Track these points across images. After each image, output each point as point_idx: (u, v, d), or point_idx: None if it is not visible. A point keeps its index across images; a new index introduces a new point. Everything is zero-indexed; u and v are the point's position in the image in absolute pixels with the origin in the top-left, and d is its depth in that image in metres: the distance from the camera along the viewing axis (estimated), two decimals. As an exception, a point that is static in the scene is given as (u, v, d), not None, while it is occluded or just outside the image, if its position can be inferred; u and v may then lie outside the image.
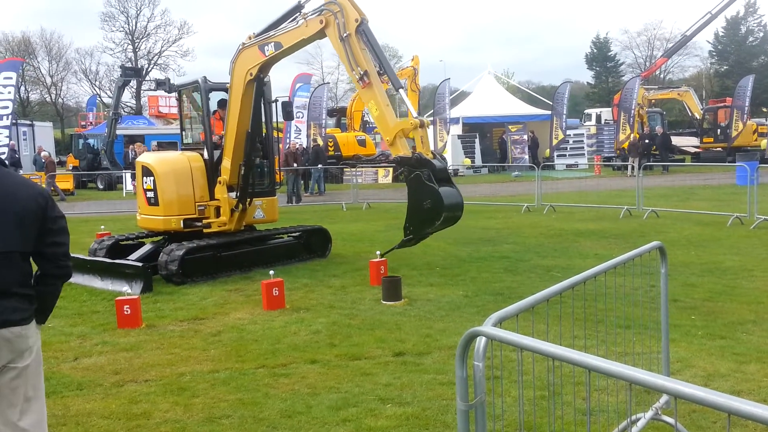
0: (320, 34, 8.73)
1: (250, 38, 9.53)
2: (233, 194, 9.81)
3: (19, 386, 3.14)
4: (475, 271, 9.46)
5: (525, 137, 33.37)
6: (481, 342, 2.53)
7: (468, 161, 31.93)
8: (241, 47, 9.59)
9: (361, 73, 8.26)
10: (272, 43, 9.21)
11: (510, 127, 33.57)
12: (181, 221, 9.77)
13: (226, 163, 9.71)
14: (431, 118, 33.70)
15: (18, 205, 3.10)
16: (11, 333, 3.10)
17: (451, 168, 26.51)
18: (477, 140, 33.62)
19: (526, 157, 32.66)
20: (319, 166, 23.88)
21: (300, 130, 31.10)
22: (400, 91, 8.50)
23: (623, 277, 4.02)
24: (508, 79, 56.26)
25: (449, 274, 9.31)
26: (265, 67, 9.55)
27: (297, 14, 9.04)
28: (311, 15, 8.74)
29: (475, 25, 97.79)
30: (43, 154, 27.06)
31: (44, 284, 3.26)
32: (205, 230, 9.86)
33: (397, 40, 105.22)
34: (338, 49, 8.47)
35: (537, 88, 62.59)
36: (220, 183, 9.77)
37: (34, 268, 3.24)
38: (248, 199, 9.88)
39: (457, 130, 33.77)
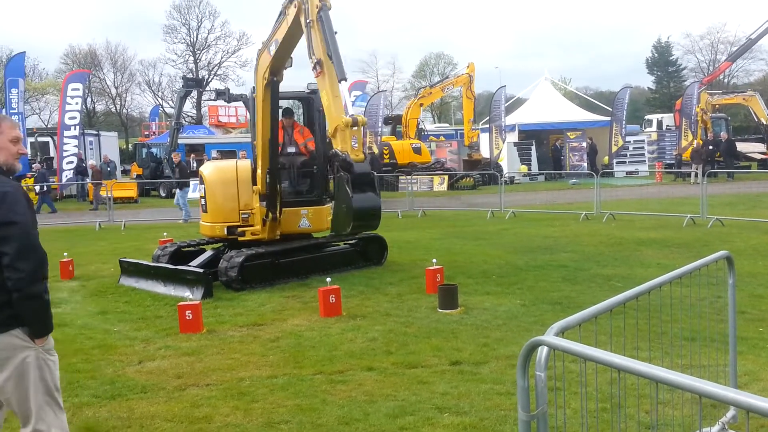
0: (297, 22, 8.74)
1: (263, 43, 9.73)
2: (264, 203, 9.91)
3: (9, 400, 3.19)
4: (533, 280, 9.35)
5: (583, 144, 32.82)
6: (543, 352, 2.50)
7: (524, 168, 31.58)
8: (258, 53, 9.80)
9: (315, 61, 8.35)
10: (273, 42, 9.35)
11: (568, 133, 33.08)
12: (225, 228, 10.00)
13: (259, 172, 9.90)
14: (487, 126, 33.54)
15: None
16: None
17: (506, 176, 26.30)
18: (533, 147, 33.23)
19: (584, 164, 32.10)
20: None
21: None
22: (342, 83, 8.43)
23: (688, 288, 3.91)
24: (565, 85, 55.41)
25: (506, 283, 9.21)
26: (275, 69, 9.58)
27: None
28: (288, 3, 8.89)
29: (530, 32, 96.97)
30: (90, 162, 27.76)
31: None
32: (239, 238, 9.95)
33: (452, 47, 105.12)
34: (306, 36, 8.52)
35: (595, 93, 61.57)
36: (254, 192, 9.96)
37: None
38: (278, 208, 9.93)
39: (513, 137, 33.46)
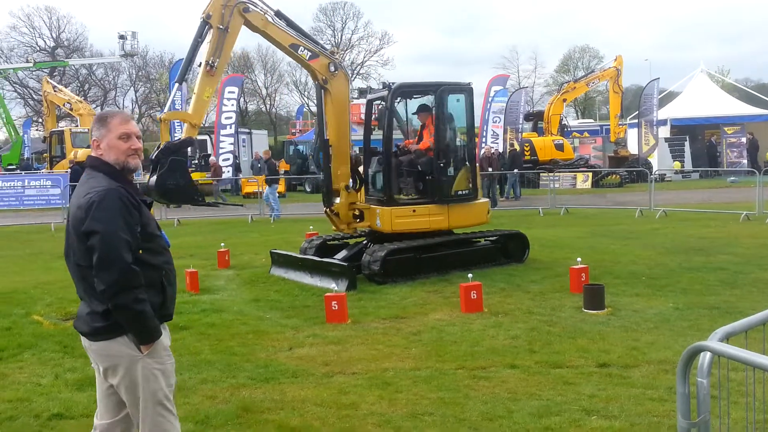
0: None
1: None
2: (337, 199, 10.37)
3: (112, 396, 3.19)
4: (687, 283, 8.84)
5: (743, 139, 30.52)
6: (706, 357, 2.38)
7: (678, 165, 29.84)
8: None
9: (212, 63, 9.36)
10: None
11: (725, 128, 30.89)
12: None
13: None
14: (635, 121, 32.01)
15: (71, 215, 3.11)
16: (86, 342, 3.14)
17: (656, 173, 24.97)
18: (687, 143, 31.32)
19: (744, 161, 29.85)
20: (515, 171, 23.62)
21: (497, 135, 31.00)
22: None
23: None
24: (723, 76, 51.77)
25: (657, 285, 8.78)
26: (311, 72, 10.21)
27: None
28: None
29: (684, 21, 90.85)
30: (211, 159, 28.50)
31: None
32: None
33: (598, 39, 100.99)
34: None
35: (756, 85, 56.86)
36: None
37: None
38: (329, 207, 10.30)
39: (664, 132, 31.71)
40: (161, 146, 8.53)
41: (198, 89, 9.44)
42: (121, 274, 2.92)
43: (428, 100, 10.61)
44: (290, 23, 10.11)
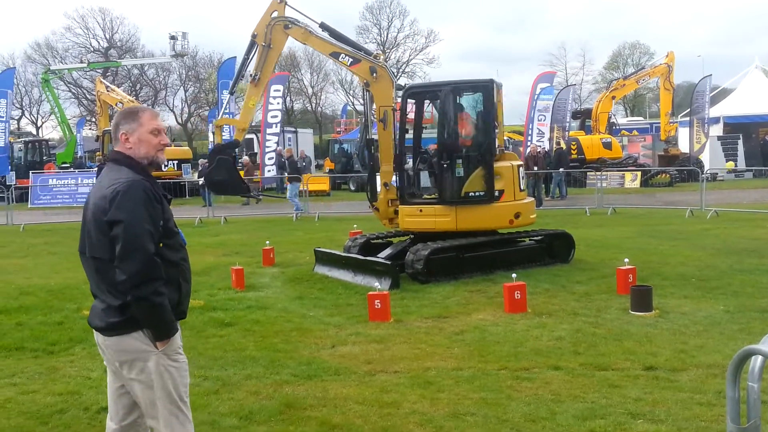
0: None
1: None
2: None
3: (132, 392, 3.14)
4: (738, 285, 8.60)
5: (799, 137, 29.56)
6: (757, 361, 2.31)
7: (731, 165, 29.02)
8: None
9: (256, 75, 10.88)
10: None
11: (781, 126, 29.97)
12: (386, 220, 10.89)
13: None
14: (686, 119, 31.27)
15: (89, 208, 3.09)
16: (99, 338, 3.12)
17: (708, 172, 24.36)
18: (740, 141, 30.45)
19: (800, 159, 28.91)
20: (561, 169, 23.31)
21: (543, 133, 30.66)
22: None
23: None
24: (779, 72, 50.11)
25: (707, 287, 8.56)
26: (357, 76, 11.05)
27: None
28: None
29: (739, 15, 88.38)
30: (244, 159, 27.98)
31: None
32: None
33: (648, 35, 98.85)
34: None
35: (816, 81, 54.90)
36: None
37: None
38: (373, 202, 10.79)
39: (716, 130, 30.89)
40: (212, 147, 9.88)
41: (245, 98, 10.94)
42: (144, 264, 2.91)
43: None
44: (333, 33, 10.90)
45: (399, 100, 10.62)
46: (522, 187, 10.42)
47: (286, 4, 10.64)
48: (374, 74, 10.43)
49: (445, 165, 9.93)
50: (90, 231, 3.07)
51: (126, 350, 3.05)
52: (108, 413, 3.31)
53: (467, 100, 10.34)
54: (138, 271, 2.90)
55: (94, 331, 3.17)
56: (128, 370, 3.08)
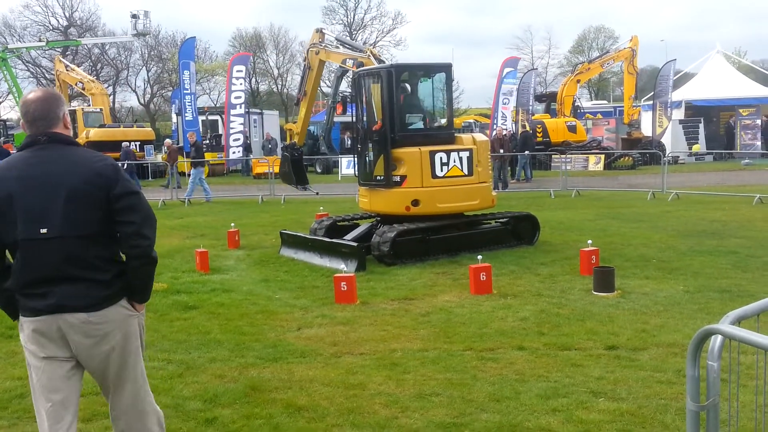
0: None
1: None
2: None
3: (102, 369, 3.14)
4: (698, 266, 8.78)
5: (758, 122, 30.17)
6: (717, 340, 2.35)
7: (698, 147, 29.52)
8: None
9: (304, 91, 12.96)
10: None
11: (741, 110, 30.53)
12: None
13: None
14: (649, 102, 31.71)
15: (68, 186, 2.97)
16: (75, 319, 3.00)
17: (670, 155, 24.77)
18: (702, 125, 31.00)
19: (758, 143, 29.52)
20: (526, 152, 23.46)
21: (505, 117, 30.83)
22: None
23: None
24: (739, 58, 50.99)
25: (667, 268, 8.72)
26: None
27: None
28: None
29: (703, 1, 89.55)
30: (166, 141, 25.82)
31: (126, 265, 3.11)
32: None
33: (613, 20, 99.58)
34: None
35: (774, 66, 56.07)
36: None
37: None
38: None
39: (679, 114, 31.38)
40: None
41: (299, 110, 13.12)
42: (156, 230, 3.15)
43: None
44: (344, 43, 13.48)
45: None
46: (440, 174, 9.91)
47: (323, 32, 12.88)
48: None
49: (359, 147, 10.64)
50: (73, 209, 2.97)
51: (113, 320, 3.08)
52: (49, 413, 3.05)
53: (374, 86, 10.29)
54: (154, 236, 3.12)
55: (54, 316, 2.99)
56: (105, 340, 3.07)
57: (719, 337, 2.36)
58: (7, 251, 3.11)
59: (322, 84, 59.77)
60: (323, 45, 12.35)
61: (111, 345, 3.09)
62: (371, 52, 11.77)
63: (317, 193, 14.18)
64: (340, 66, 13.51)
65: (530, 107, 31.82)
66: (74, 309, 3.00)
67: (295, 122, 21.28)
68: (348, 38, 14.33)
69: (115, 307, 3.09)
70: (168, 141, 24.87)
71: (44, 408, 3.06)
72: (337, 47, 12.83)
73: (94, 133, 26.57)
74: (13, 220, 2.97)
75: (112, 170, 3.05)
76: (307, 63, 12.48)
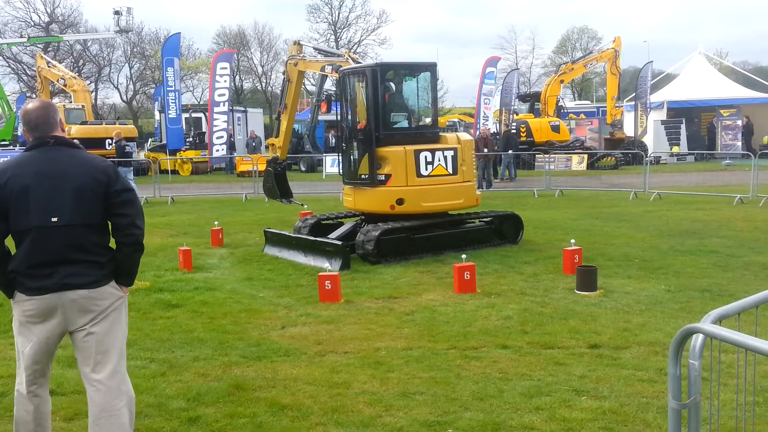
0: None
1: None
2: None
3: (90, 342, 3.52)
4: (679, 265, 8.86)
5: (738, 122, 30.50)
6: (698, 339, 2.37)
7: (677, 148, 29.77)
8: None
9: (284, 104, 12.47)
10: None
11: (721, 111, 30.85)
12: None
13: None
14: (632, 103, 31.96)
15: (75, 182, 3.45)
16: (77, 295, 3.46)
17: (652, 155, 24.98)
18: (683, 126, 31.28)
19: (739, 143, 29.84)
20: (510, 152, 23.55)
21: (487, 117, 30.95)
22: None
23: None
24: (721, 59, 51.49)
25: (649, 267, 8.80)
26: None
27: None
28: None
29: (685, 2, 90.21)
30: (116, 133, 23.95)
31: (118, 251, 3.59)
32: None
33: (597, 20, 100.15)
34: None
35: (754, 69, 56.54)
36: None
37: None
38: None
39: (660, 115, 31.64)
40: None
41: (281, 122, 12.62)
42: (144, 222, 3.68)
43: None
44: (321, 51, 13.66)
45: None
46: (425, 173, 9.88)
47: (300, 44, 12.73)
48: None
49: (344, 146, 10.60)
50: (79, 201, 3.45)
51: (107, 297, 3.54)
52: (24, 379, 3.58)
53: (359, 85, 10.29)
54: (144, 227, 3.65)
55: (58, 294, 3.42)
56: (100, 315, 3.52)
57: (701, 336, 2.38)
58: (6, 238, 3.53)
59: (306, 82, 59.70)
60: (301, 56, 12.35)
61: (103, 320, 3.53)
62: (349, 56, 11.77)
63: (303, 205, 13.98)
64: (319, 74, 13.20)
65: (512, 107, 31.96)
66: (77, 286, 3.45)
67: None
68: (325, 46, 14.00)
69: (110, 286, 3.56)
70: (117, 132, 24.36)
71: (25, 370, 3.58)
72: (315, 56, 12.82)
73: (76, 131, 26.25)
74: (26, 210, 3.42)
75: (112, 170, 3.59)
76: (287, 76, 12.32)
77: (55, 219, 3.41)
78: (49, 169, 3.47)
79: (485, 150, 21.75)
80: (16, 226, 3.44)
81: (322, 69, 12.38)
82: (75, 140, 4.01)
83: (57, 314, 3.47)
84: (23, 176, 3.44)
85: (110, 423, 3.49)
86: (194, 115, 33.97)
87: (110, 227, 3.61)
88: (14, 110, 39.08)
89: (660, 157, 28.54)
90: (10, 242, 3.52)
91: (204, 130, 31.51)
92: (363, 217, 10.51)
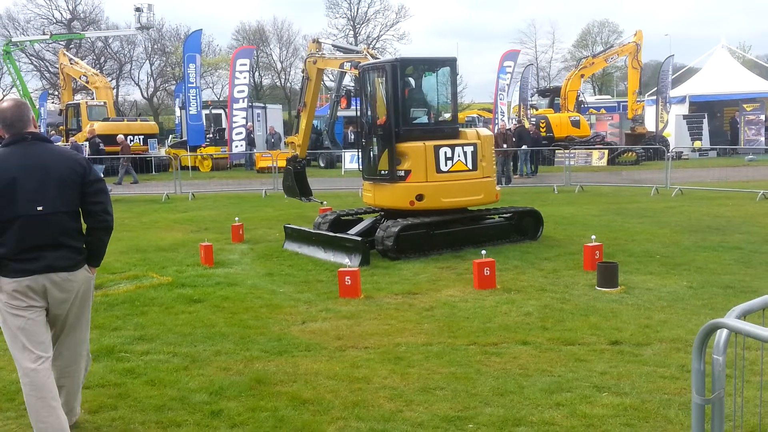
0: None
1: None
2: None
3: (61, 316, 3.96)
4: (702, 261, 8.78)
5: (762, 117, 30.09)
6: (722, 334, 2.36)
7: (699, 144, 29.45)
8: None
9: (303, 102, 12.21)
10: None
11: (744, 105, 30.45)
12: None
13: None
14: (653, 97, 31.65)
15: (57, 174, 3.82)
16: (59, 277, 3.84)
17: (673, 150, 24.73)
18: (705, 120, 30.92)
19: (762, 138, 29.45)
20: (524, 147, 23.37)
21: (503, 112, 30.82)
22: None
23: None
24: (744, 52, 50.83)
25: (671, 263, 8.73)
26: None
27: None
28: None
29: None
30: (118, 137, 24.77)
31: (90, 235, 3.99)
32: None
33: (618, 14, 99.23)
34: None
35: (779, 62, 55.84)
36: None
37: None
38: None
39: (682, 109, 31.30)
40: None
41: (300, 121, 12.53)
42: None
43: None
44: (340, 48, 13.50)
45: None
46: (444, 168, 9.86)
47: (319, 42, 12.58)
48: None
49: (363, 142, 10.59)
50: (62, 191, 3.82)
51: (82, 279, 3.97)
52: (33, 353, 3.80)
53: (378, 81, 10.27)
54: (113, 212, 4.09)
55: (44, 275, 3.77)
56: (75, 294, 3.94)
57: (725, 331, 2.37)
58: None
59: (325, 78, 59.80)
60: (320, 53, 12.35)
61: (77, 298, 3.97)
62: (368, 52, 11.75)
63: (322, 203, 13.95)
64: (338, 71, 13.17)
65: (529, 102, 31.76)
66: (61, 269, 3.84)
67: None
68: (344, 43, 14.05)
69: (83, 269, 3.97)
70: (120, 137, 24.79)
71: (31, 351, 3.80)
72: (334, 53, 12.79)
73: (99, 126, 26.51)
74: (12, 200, 3.73)
75: (85, 162, 4.01)
76: (306, 74, 12.22)
77: (40, 208, 3.76)
78: (32, 162, 3.80)
79: (504, 145, 21.67)
80: (1, 215, 3.74)
81: (341, 66, 12.44)
82: (53, 135, 4.46)
83: (42, 292, 3.82)
84: (9, 169, 3.74)
85: (73, 376, 4.14)
86: (214, 111, 34.15)
87: (81, 213, 3.99)
88: (37, 107, 39.58)
89: (682, 152, 28.25)
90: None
91: (224, 126, 31.67)
92: (382, 212, 10.52)
